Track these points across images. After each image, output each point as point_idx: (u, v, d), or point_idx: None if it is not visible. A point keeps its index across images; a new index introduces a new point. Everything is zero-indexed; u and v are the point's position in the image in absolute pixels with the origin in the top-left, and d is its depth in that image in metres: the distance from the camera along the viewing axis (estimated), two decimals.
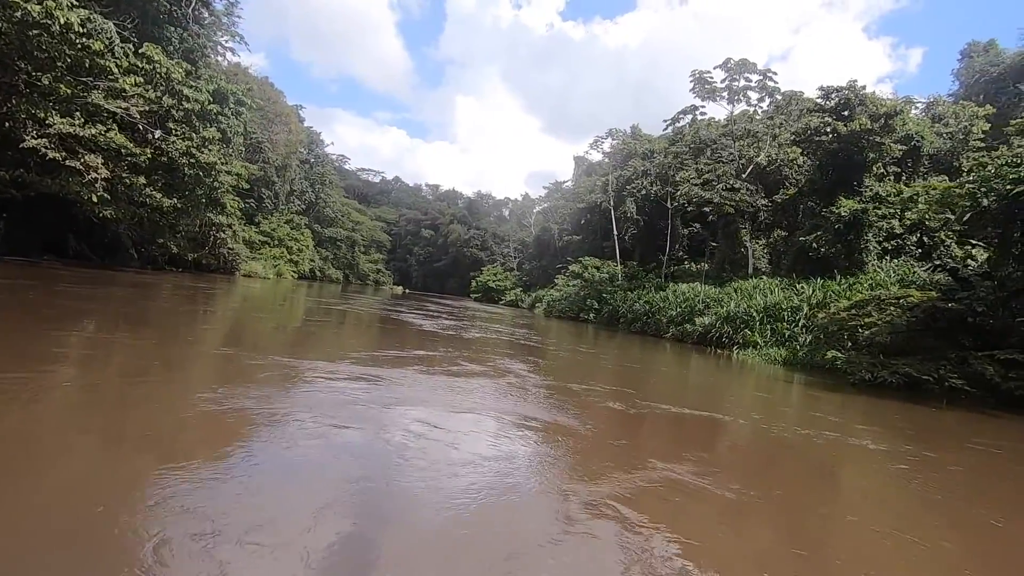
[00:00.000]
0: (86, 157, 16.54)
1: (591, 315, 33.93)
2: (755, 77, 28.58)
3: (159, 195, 21.27)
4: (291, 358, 8.76)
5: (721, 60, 29.80)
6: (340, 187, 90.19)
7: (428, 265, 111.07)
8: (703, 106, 31.17)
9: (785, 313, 17.24)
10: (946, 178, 28.89)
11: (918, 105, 36.17)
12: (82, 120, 16.57)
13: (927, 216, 26.00)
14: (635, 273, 39.09)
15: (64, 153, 16.15)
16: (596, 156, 63.42)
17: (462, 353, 13.61)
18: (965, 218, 16.45)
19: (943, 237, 25.94)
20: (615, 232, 44.97)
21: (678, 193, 35.18)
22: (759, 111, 29.94)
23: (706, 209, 30.31)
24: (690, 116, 31.83)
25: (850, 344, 13.85)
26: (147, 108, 18.80)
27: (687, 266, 40.40)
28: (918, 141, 30.37)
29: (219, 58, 34.29)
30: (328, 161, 78.90)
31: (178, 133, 20.97)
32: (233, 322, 14.47)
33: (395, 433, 5.31)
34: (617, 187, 46.10)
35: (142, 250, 32.35)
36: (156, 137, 20.02)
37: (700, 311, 21.72)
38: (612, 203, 45.52)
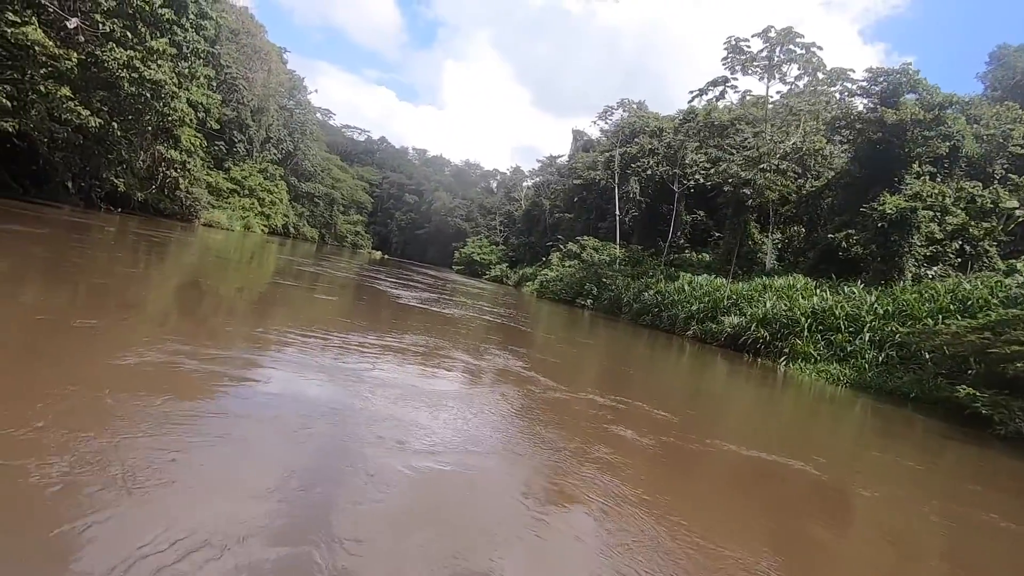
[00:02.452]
0: None
1: (588, 300, 30.89)
2: (798, 50, 25.40)
3: (85, 112, 17.18)
4: (195, 343, 5.45)
5: (759, 30, 26.37)
6: (323, 141, 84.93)
7: (409, 232, 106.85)
8: (734, 78, 27.92)
9: (840, 321, 14.41)
10: (980, 184, 26.36)
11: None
12: None
13: (970, 223, 23.49)
14: (638, 258, 36.09)
15: None
16: (595, 132, 60.11)
17: (443, 338, 10.48)
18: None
19: (986, 247, 23.48)
20: (617, 212, 41.83)
21: (712, 171, 32.01)
22: (795, 88, 26.82)
23: (745, 191, 27.07)
24: (720, 88, 28.55)
25: (971, 375, 10.89)
26: None
27: (688, 255, 37.58)
28: (958, 140, 27.69)
29: None
30: (311, 110, 73.49)
31: (109, 33, 16.66)
32: (177, 287, 11.02)
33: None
34: (621, 164, 42.81)
35: (82, 184, 27.99)
36: (73, 29, 15.70)
37: (726, 309, 18.83)
38: (616, 181, 42.27)
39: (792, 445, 7.37)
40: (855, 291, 16.23)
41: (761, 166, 25.56)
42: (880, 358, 13.02)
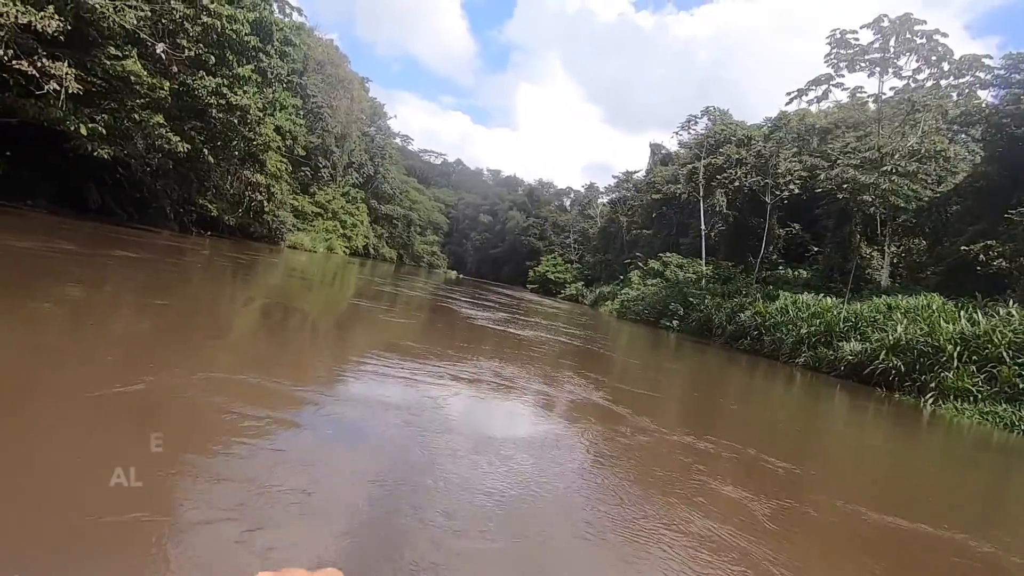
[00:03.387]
0: (44, 61, 12.93)
1: (674, 321, 28.62)
2: (917, 39, 22.35)
3: (175, 138, 17.81)
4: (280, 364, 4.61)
5: (870, 19, 23.44)
6: (401, 165, 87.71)
7: (484, 251, 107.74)
8: (840, 76, 25.10)
9: (1003, 351, 11.69)
10: None
11: None
12: (62, 23, 12.76)
13: None
14: (728, 275, 33.34)
15: (9, 51, 12.52)
16: (673, 145, 57.74)
17: (518, 364, 9.31)
18: None
19: None
20: (702, 227, 39.23)
21: (809, 179, 29.14)
22: (913, 83, 23.62)
23: (865, 198, 24.06)
24: (823, 87, 25.80)
25: None
26: (147, 12, 15.01)
27: (782, 271, 34.30)
28: None
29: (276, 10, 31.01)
30: (390, 135, 76.13)
31: (197, 59, 17.17)
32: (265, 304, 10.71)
33: None
34: (706, 176, 40.29)
35: (180, 210, 29.65)
36: (165, 59, 16.14)
37: (843, 333, 16.27)
38: (701, 194, 39.76)
39: (966, 515, 5.47)
40: (1013, 313, 13.35)
41: (884, 168, 22.50)
42: None
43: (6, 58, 12.29)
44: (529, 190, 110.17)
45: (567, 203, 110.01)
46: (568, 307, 42.43)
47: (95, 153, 16.02)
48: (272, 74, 22.51)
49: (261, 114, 22.54)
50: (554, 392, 7.87)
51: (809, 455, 7.33)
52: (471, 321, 16.17)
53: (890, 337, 14.03)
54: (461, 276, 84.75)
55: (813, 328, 17.72)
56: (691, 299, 28.96)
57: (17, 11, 11.81)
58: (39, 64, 12.79)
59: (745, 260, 36.23)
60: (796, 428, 9.26)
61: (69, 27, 13.87)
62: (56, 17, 12.30)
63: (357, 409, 4.96)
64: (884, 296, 19.59)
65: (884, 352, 13.83)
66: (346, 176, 60.57)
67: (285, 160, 35.18)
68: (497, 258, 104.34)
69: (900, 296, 18.49)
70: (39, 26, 12.03)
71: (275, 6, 30.52)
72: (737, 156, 39.74)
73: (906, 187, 24.61)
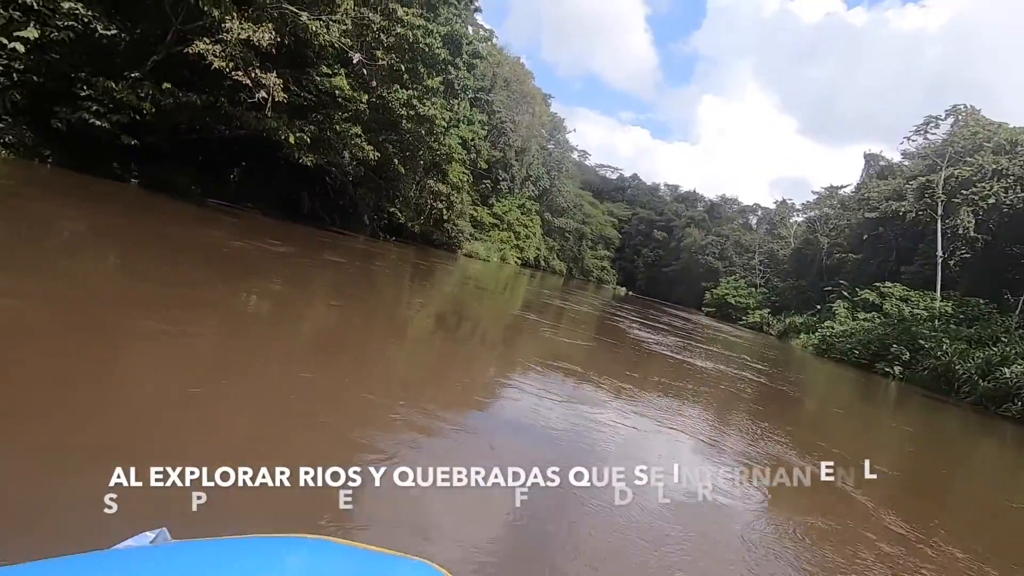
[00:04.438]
0: (256, 71, 14.46)
1: (896, 367, 23.05)
2: None
3: (368, 147, 19.13)
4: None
5: None
6: (577, 179, 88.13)
7: (655, 268, 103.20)
8: None
9: None
10: None
11: None
12: (274, 32, 14.35)
13: None
14: (977, 314, 26.33)
15: (231, 63, 14.20)
16: (895, 156, 48.80)
17: (696, 403, 7.52)
18: None
19: None
20: (938, 253, 31.85)
21: None
22: None
23: None
24: None
25: None
26: (347, 27, 16.19)
27: None
28: None
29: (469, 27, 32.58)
30: (568, 148, 76.97)
31: (390, 71, 18.23)
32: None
33: None
34: (946, 191, 32.76)
35: (374, 217, 32.51)
36: (361, 70, 17.38)
37: None
38: (939, 212, 32.42)
39: None
40: None
41: None
42: None
43: (227, 69, 14.09)
44: (710, 206, 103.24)
45: (753, 221, 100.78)
46: (751, 336, 37.69)
47: (300, 160, 17.82)
48: (459, 85, 23.40)
49: (446, 125, 23.54)
50: (747, 448, 5.97)
51: None
52: (642, 344, 14.44)
53: None
54: (630, 293, 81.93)
55: None
56: (922, 341, 23.14)
57: (239, 28, 13.57)
58: (253, 75, 14.47)
59: (1000, 297, 28.32)
60: None
61: (290, 47, 15.62)
62: (271, 31, 13.93)
63: (510, 438, 4.51)
64: None
65: None
66: (523, 188, 62.24)
67: (467, 172, 36.79)
68: (670, 277, 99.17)
69: None
70: (255, 39, 13.66)
71: (469, 29, 32.13)
72: (995, 166, 31.67)
73: None
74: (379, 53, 17.77)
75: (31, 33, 12.56)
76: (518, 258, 58.43)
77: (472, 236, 43.68)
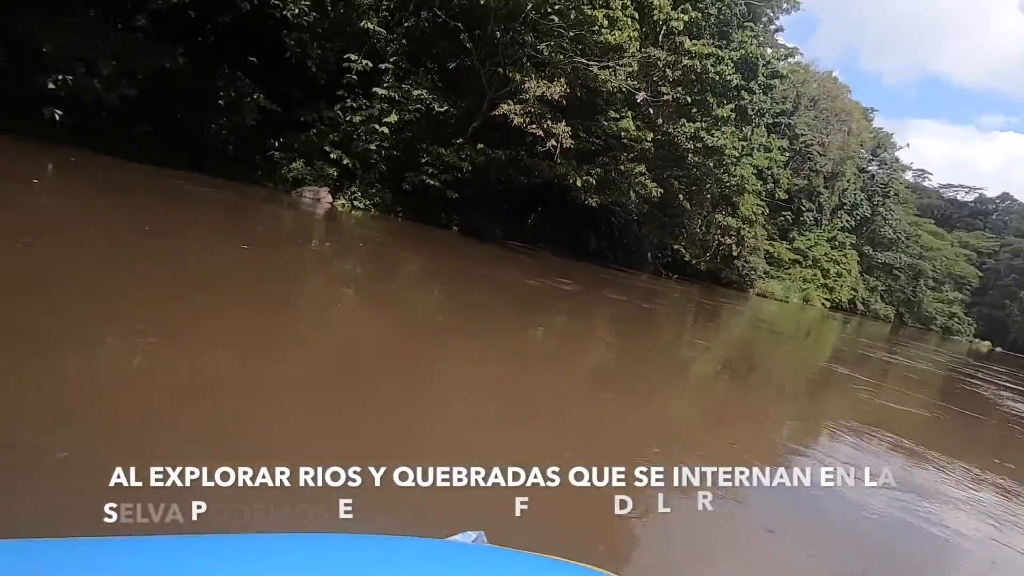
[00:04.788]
0: (548, 122, 15.39)
1: None
2: None
3: (651, 184, 18.81)
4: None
5: None
6: (912, 204, 71.84)
7: None
8: None
9: None
10: None
11: None
12: (565, 85, 15.37)
13: None
14: None
15: (527, 119, 15.42)
16: None
17: None
18: None
19: None
20: None
21: None
22: None
23: None
24: None
25: None
26: (632, 69, 16.16)
27: None
28: None
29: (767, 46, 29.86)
30: (898, 168, 63.23)
31: (677, 106, 17.57)
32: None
33: None
34: None
35: (658, 255, 32.10)
36: (639, 101, 17.18)
37: None
38: None
39: None
40: None
41: None
42: None
43: (524, 124, 15.73)
44: None
45: None
46: None
47: (586, 201, 18.72)
48: (753, 110, 21.41)
49: (738, 154, 21.72)
50: None
51: None
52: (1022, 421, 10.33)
53: None
54: (997, 349, 61.88)
55: None
56: None
57: (536, 86, 15.10)
58: (544, 126, 15.81)
59: None
60: None
61: (581, 97, 16.74)
62: (563, 84, 15.18)
63: (795, 522, 3.65)
64: None
65: None
66: (833, 219, 53.50)
67: (763, 204, 33.43)
68: None
69: None
70: (548, 94, 14.99)
71: (768, 51, 29.49)
72: None
73: None
74: (664, 89, 17.59)
75: (392, 118, 16.44)
76: (826, 299, 50.15)
77: (767, 274, 39.37)
